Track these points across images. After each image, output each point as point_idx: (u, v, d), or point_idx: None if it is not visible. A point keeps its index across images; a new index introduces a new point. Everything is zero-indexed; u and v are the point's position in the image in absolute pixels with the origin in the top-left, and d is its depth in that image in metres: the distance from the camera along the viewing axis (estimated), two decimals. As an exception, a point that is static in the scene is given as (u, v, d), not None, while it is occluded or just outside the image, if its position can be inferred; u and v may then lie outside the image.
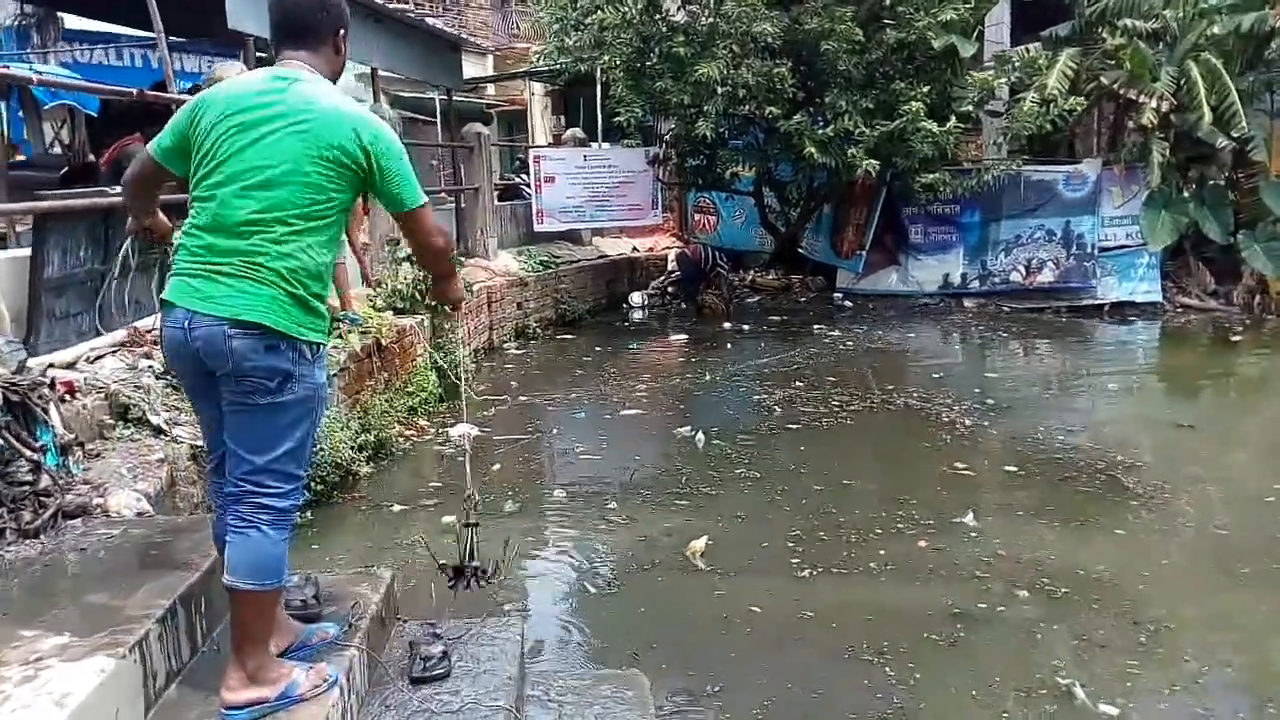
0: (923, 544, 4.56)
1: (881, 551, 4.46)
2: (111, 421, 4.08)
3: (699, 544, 4.55)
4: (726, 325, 11.65)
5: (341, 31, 2.45)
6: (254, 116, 2.25)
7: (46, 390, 3.49)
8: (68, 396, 3.78)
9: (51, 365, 3.94)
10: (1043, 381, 8.75)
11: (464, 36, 15.31)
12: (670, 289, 13.71)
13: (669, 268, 14.25)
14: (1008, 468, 5.80)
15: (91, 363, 4.35)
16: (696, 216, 15.41)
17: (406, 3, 17.56)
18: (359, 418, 6.02)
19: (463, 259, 10.75)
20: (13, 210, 4.92)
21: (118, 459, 3.83)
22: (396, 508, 5.30)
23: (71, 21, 12.36)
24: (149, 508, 3.44)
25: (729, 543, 4.64)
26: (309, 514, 4.95)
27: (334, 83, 2.42)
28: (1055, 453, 6.09)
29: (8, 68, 7.61)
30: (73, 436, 3.50)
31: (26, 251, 4.48)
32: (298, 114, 2.24)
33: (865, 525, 4.81)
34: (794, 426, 6.82)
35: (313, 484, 5.07)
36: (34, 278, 4.44)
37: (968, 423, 6.81)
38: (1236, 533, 4.69)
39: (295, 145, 2.22)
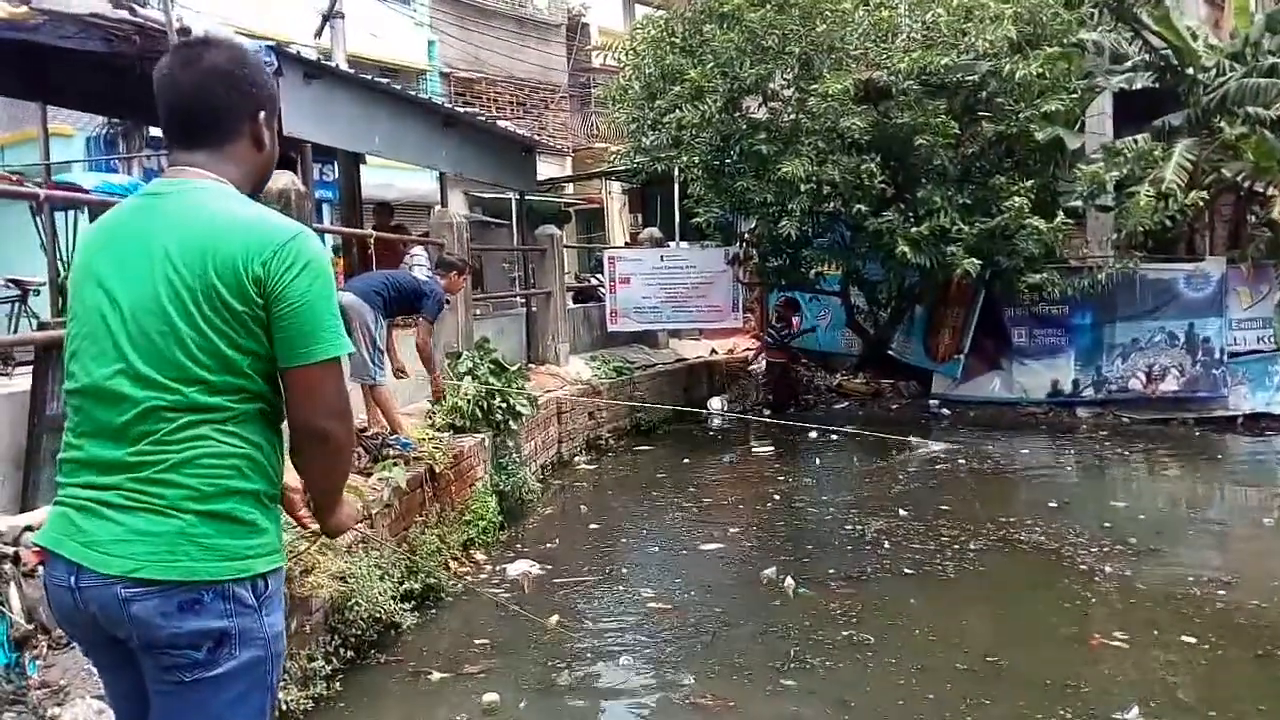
0: (1080, 755, 3.61)
1: (1030, 767, 3.52)
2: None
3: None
4: (813, 435, 10.79)
5: (263, 114, 1.72)
6: (116, 259, 1.59)
7: (7, 567, 2.89)
8: (40, 568, 3.18)
9: (29, 528, 3.35)
10: (1183, 513, 7.66)
11: (543, 139, 15.15)
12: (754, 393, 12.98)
13: (751, 370, 13.55)
14: (1186, 638, 4.73)
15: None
16: (778, 317, 14.71)
17: (474, 103, 17.65)
18: (405, 560, 5.34)
19: (531, 366, 10.20)
20: (14, 341, 4.47)
21: (94, 645, 3.19)
22: (436, 676, 4.54)
23: (157, 130, 12.49)
24: (112, 722, 2.78)
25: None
26: (336, 684, 4.24)
27: (259, 189, 1.72)
28: (1226, 613, 5.05)
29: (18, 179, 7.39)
30: (31, 627, 2.88)
31: (26, 385, 3.98)
32: (171, 241, 1.56)
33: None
34: (908, 572, 5.89)
35: (340, 649, 4.38)
36: (34, 416, 3.92)
37: (1108, 569, 5.79)
38: None
39: (166, 290, 1.54)
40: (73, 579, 1.55)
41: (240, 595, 1.56)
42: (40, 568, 3.18)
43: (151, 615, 1.51)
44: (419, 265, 9.15)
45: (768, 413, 12.27)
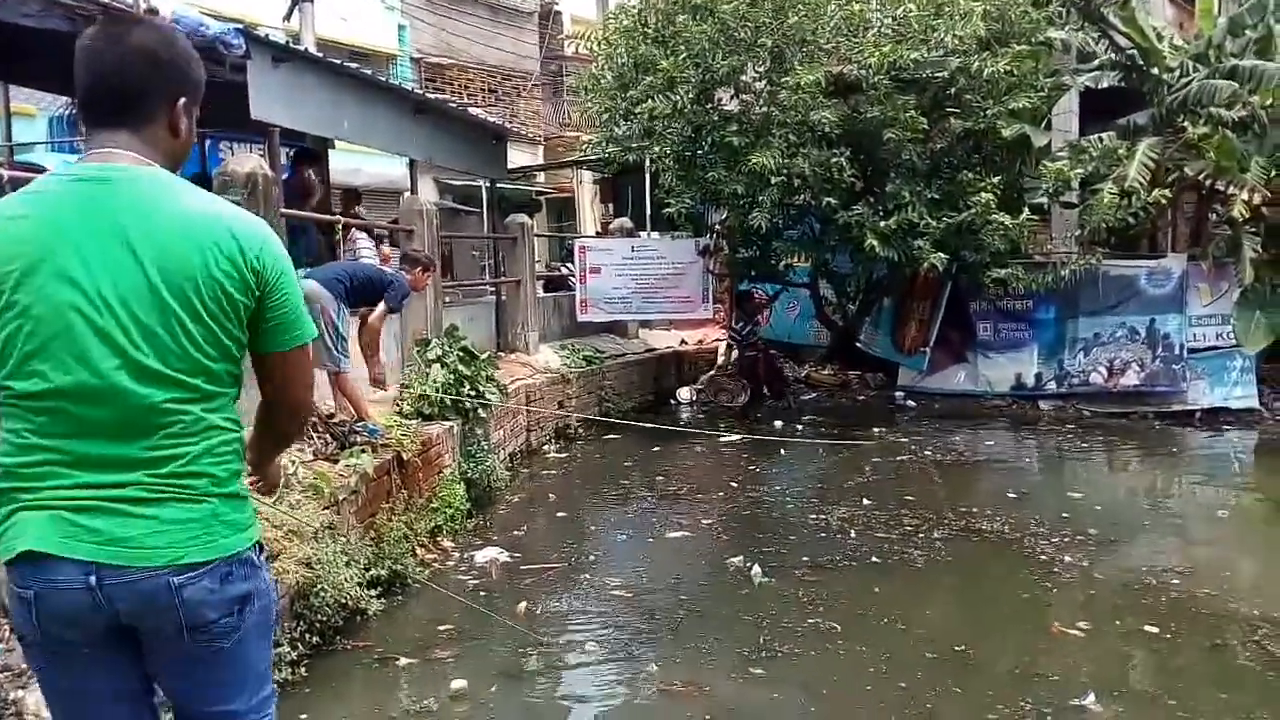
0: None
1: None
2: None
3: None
4: (778, 424, 10.90)
5: (183, 100, 1.68)
6: (78, 251, 1.54)
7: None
8: None
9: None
10: (1141, 505, 7.81)
11: (514, 127, 15.10)
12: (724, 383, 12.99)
13: (719, 361, 13.59)
14: (1145, 627, 4.83)
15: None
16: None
17: (445, 90, 17.52)
18: (371, 546, 5.32)
19: (501, 354, 10.19)
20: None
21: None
22: (404, 661, 4.55)
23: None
24: (74, 704, 2.76)
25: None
26: (302, 670, 4.23)
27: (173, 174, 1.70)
28: (1181, 602, 5.16)
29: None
30: (-7, 612, 2.85)
31: None
32: (152, 232, 1.55)
33: (972, 714, 3.93)
34: (874, 561, 5.96)
35: (306, 635, 4.37)
36: None
37: (1067, 559, 5.90)
38: None
39: (162, 281, 1.55)
40: (93, 579, 1.55)
41: (252, 559, 1.70)
42: None
43: (203, 595, 1.61)
44: (364, 249, 8.98)
45: (742, 399, 12.29)
